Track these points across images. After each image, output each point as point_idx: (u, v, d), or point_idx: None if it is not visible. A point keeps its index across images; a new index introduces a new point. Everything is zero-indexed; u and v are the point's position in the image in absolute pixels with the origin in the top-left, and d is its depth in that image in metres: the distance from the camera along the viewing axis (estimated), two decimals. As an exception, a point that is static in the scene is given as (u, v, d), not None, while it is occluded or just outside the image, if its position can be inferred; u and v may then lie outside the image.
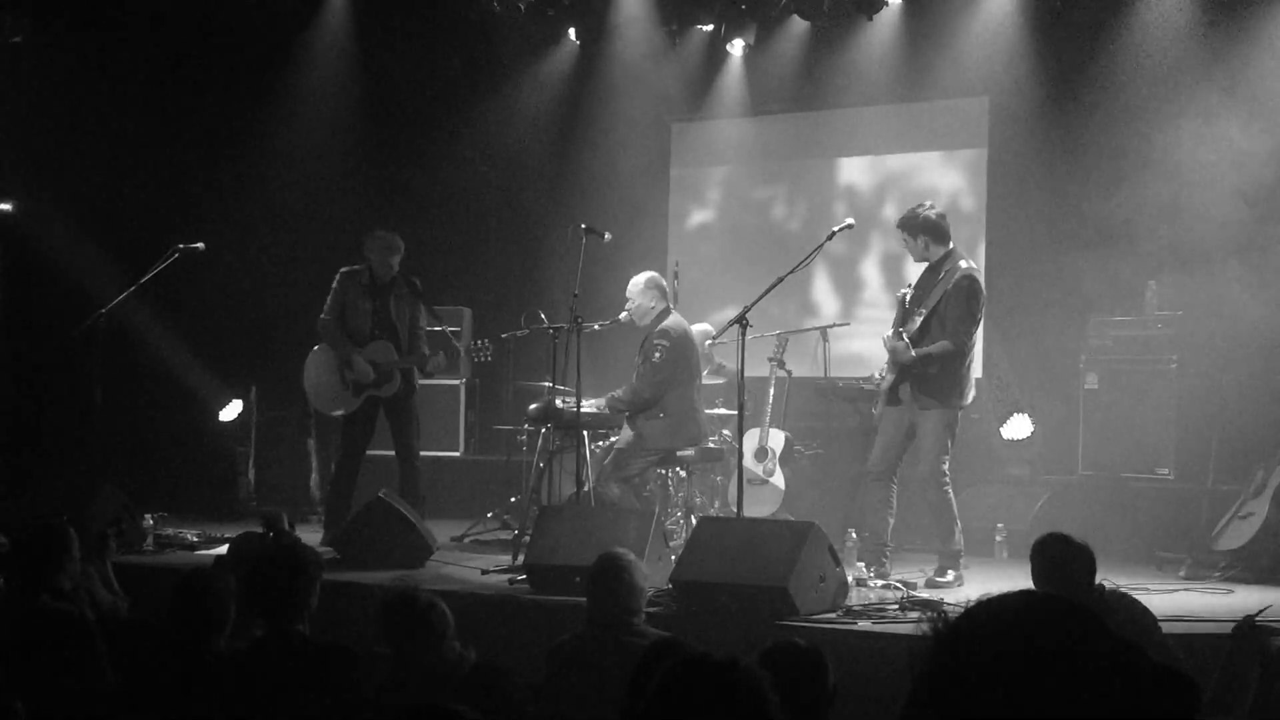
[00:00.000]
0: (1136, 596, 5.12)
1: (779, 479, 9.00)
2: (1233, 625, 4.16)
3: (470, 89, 11.35)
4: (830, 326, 9.66)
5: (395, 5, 11.01)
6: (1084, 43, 9.44)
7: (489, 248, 11.51)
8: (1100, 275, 9.35)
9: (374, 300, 8.43)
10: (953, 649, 1.45)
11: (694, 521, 7.60)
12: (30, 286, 10.65)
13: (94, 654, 4.53)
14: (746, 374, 7.06)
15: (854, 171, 10.84)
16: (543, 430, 8.36)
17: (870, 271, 10.64)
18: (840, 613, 6.02)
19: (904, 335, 7.06)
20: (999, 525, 8.42)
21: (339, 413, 8.53)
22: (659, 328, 7.99)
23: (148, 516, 8.32)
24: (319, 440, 10.25)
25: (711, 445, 8.37)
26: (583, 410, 7.71)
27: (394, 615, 4.31)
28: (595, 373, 8.11)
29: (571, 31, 10.91)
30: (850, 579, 6.53)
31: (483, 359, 8.79)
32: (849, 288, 10.70)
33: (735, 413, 7.44)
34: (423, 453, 9.48)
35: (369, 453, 8.60)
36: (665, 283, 8.28)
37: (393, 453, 8.51)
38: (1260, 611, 4.33)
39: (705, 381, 8.67)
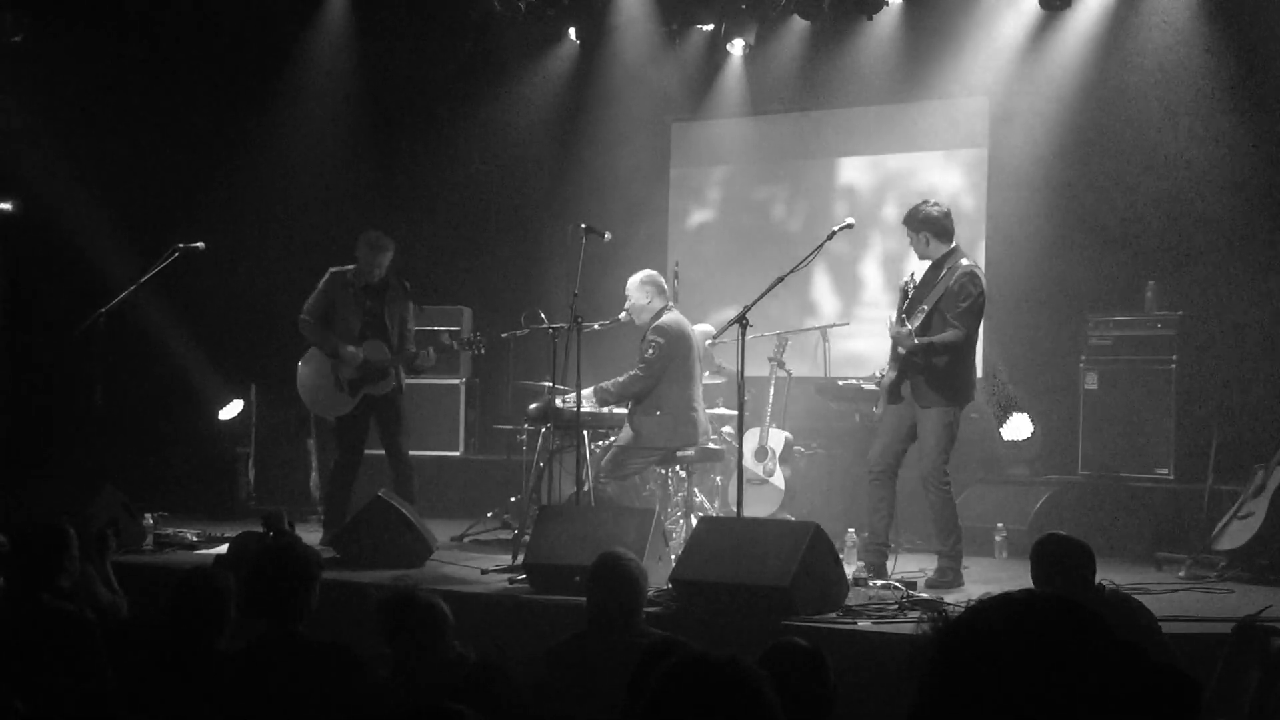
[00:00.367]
0: (1136, 597, 5.12)
1: (779, 479, 9.01)
2: (1232, 625, 4.16)
3: (471, 89, 11.35)
4: (830, 326, 9.66)
5: (395, 5, 11.01)
6: (1084, 42, 9.44)
7: (489, 247, 11.51)
8: (1100, 275, 9.35)
9: (366, 301, 8.44)
10: (953, 649, 1.45)
11: (694, 521, 7.61)
12: (31, 286, 10.65)
13: (94, 654, 4.52)
14: (746, 374, 7.06)
15: (854, 171, 10.84)
16: (543, 430, 8.36)
17: (870, 271, 10.64)
18: (840, 612, 6.02)
19: (906, 322, 7.05)
20: (999, 525, 8.42)
21: (340, 414, 8.52)
22: (655, 325, 8.00)
23: (148, 516, 8.32)
24: (319, 440, 10.24)
25: (711, 445, 8.37)
26: (583, 410, 7.71)
27: (394, 615, 4.31)
28: (595, 372, 8.11)
29: (572, 31, 10.91)
30: (850, 578, 6.53)
31: (477, 351, 8.78)
32: (849, 288, 10.70)
33: (735, 412, 7.44)
34: (423, 452, 9.52)
35: (368, 452, 8.60)
36: (663, 280, 8.28)
37: (391, 452, 8.53)
38: (1260, 611, 4.33)
39: (705, 381, 8.67)
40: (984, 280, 7.25)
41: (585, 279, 7.75)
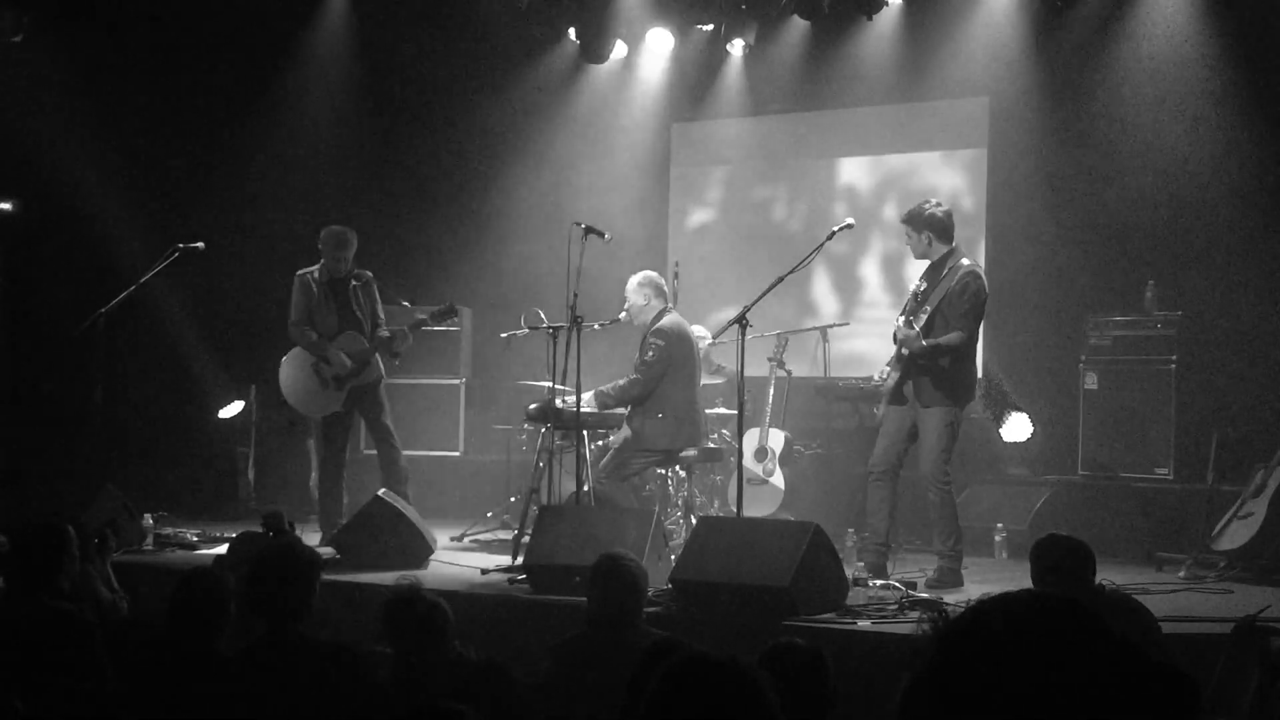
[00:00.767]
0: (1136, 597, 5.12)
1: (779, 479, 9.01)
2: (1232, 625, 4.16)
3: (470, 89, 11.35)
4: (830, 326, 9.66)
5: (395, 5, 11.01)
6: (1083, 42, 9.44)
7: (489, 247, 11.50)
8: (1099, 275, 9.36)
9: (335, 297, 8.49)
10: (953, 648, 1.45)
11: (694, 521, 7.60)
12: (30, 286, 10.65)
13: (94, 654, 4.52)
14: (746, 374, 7.06)
15: (854, 171, 10.84)
16: (542, 430, 8.36)
17: (870, 271, 10.64)
18: (840, 612, 6.02)
19: (914, 325, 7.05)
20: (998, 525, 8.42)
21: (330, 412, 8.54)
22: (655, 326, 7.99)
23: (147, 516, 8.32)
24: (318, 440, 10.25)
25: (711, 445, 8.37)
26: (582, 410, 7.71)
27: (396, 615, 4.31)
28: (594, 372, 8.11)
29: (571, 31, 10.91)
30: (850, 578, 6.53)
31: (451, 323, 8.82)
32: (849, 288, 10.70)
33: (735, 412, 7.44)
34: (422, 453, 9.52)
35: (367, 452, 8.62)
36: (662, 281, 8.28)
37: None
38: (1260, 611, 4.33)
39: (705, 381, 8.67)
40: (985, 281, 7.25)
41: (585, 279, 7.75)
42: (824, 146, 10.99)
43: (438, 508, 9.37)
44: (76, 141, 10.43)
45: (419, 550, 7.68)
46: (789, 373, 9.26)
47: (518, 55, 11.17)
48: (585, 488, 7.75)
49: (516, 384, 9.78)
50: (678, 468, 8.35)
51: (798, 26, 10.34)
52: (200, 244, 8.82)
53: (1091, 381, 8.95)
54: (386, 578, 6.78)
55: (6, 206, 10.67)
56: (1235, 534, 7.54)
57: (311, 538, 7.82)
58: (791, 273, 7.30)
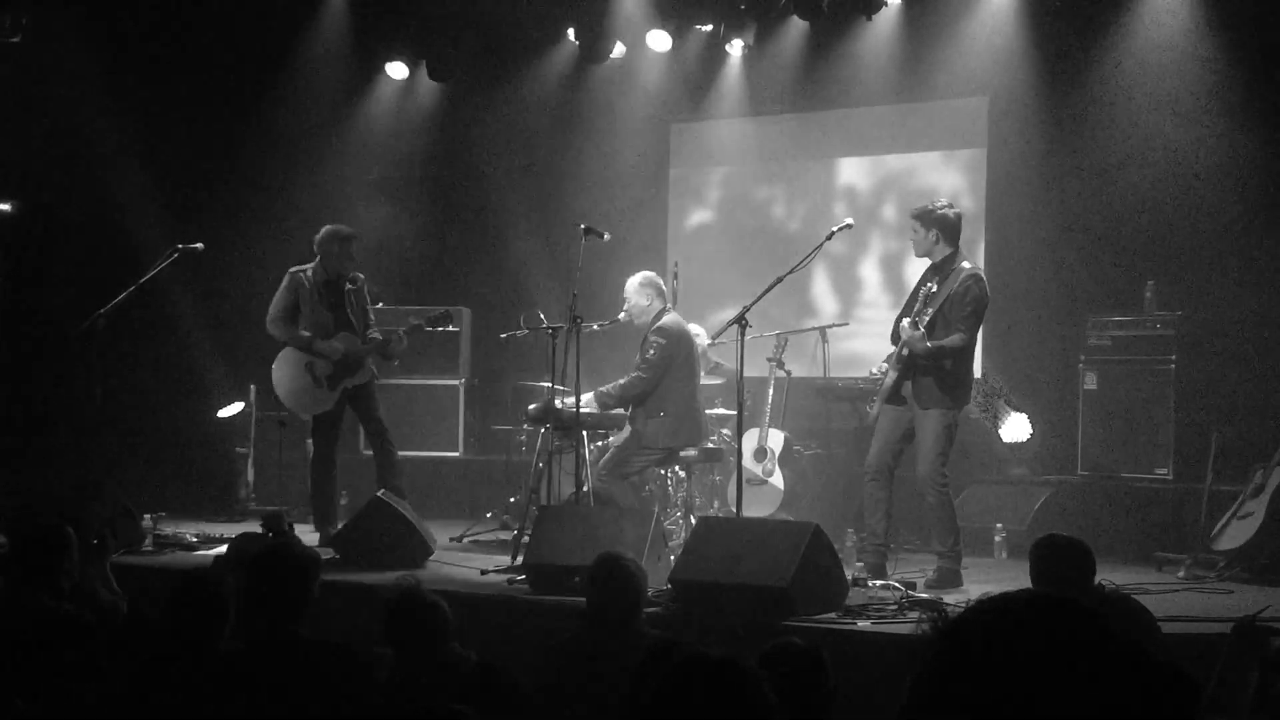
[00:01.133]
0: (1136, 597, 5.12)
1: (778, 479, 9.01)
2: (1232, 625, 4.16)
3: (470, 89, 11.35)
4: (829, 327, 9.66)
5: (393, 6, 11.01)
6: (1083, 42, 9.44)
7: (488, 247, 11.51)
8: (1099, 275, 9.36)
9: (330, 297, 8.49)
10: (953, 648, 1.45)
11: (693, 521, 7.61)
12: (29, 287, 10.65)
13: (93, 655, 4.52)
14: (746, 374, 7.06)
15: (853, 172, 10.84)
16: (542, 430, 8.36)
17: (869, 272, 10.64)
18: (839, 613, 6.02)
19: (919, 327, 7.05)
20: (998, 525, 8.43)
21: (322, 411, 8.55)
22: (656, 325, 8.00)
23: (147, 517, 8.32)
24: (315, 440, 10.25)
25: (711, 445, 8.37)
26: (582, 410, 7.71)
27: (396, 615, 4.31)
28: (594, 373, 8.11)
29: (571, 31, 10.91)
30: (850, 579, 6.53)
31: (445, 327, 8.88)
32: (848, 288, 10.70)
33: (734, 413, 7.44)
34: (422, 453, 9.53)
35: (366, 453, 8.63)
36: (661, 282, 8.29)
37: (396, 451, 8.56)
38: (1259, 611, 4.33)
39: (704, 382, 8.67)
40: (986, 285, 7.25)
41: (584, 279, 7.76)
42: (823, 147, 10.99)
43: (437, 508, 9.38)
44: (75, 143, 10.43)
45: (418, 551, 7.68)
46: (788, 373, 9.26)
47: (517, 55, 11.16)
48: (585, 488, 7.75)
49: (516, 385, 9.79)
50: (677, 468, 8.35)
51: (797, 27, 10.34)
52: (199, 245, 8.82)
53: (1091, 381, 8.95)
54: (386, 578, 6.78)
55: (5, 207, 10.67)
56: (1234, 534, 7.54)
57: (311, 538, 7.83)
58: (791, 273, 7.31)
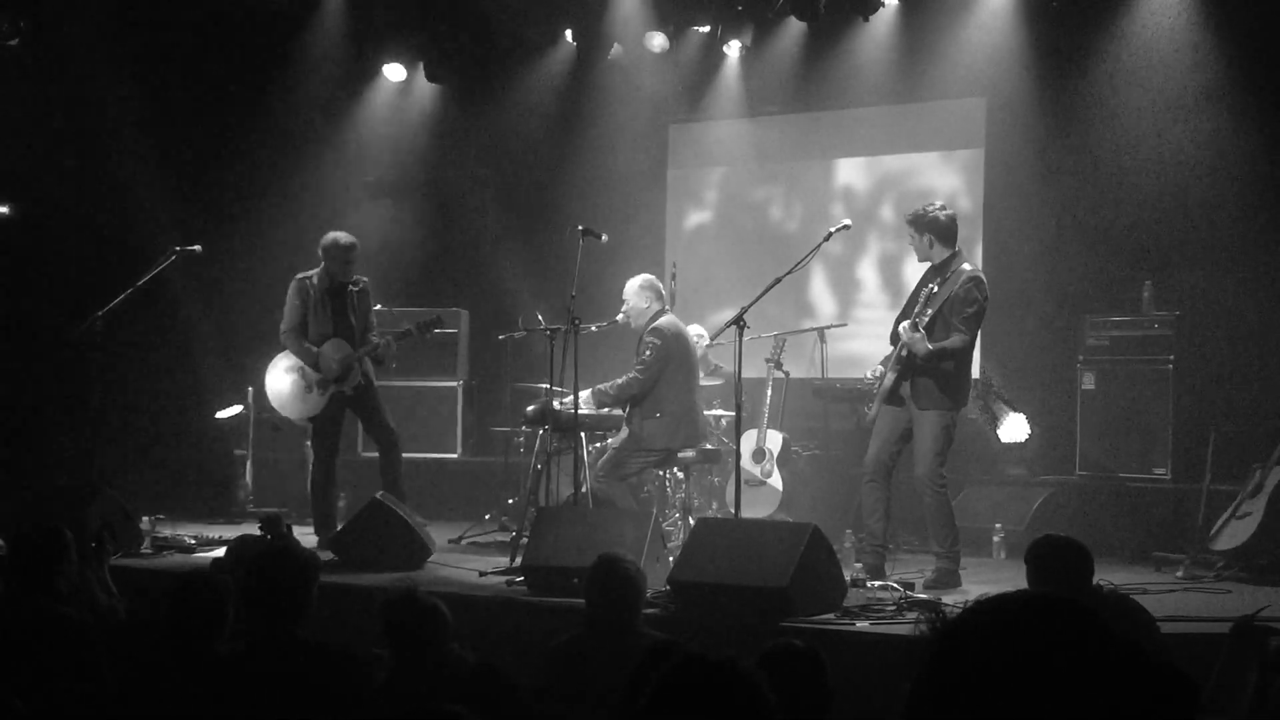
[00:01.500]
0: (1134, 597, 5.12)
1: (776, 480, 9.01)
2: (1230, 625, 4.16)
3: (468, 91, 11.35)
4: (828, 327, 9.66)
5: (391, 7, 11.01)
6: (1080, 43, 9.45)
7: (487, 249, 11.51)
8: (1097, 275, 9.36)
9: (333, 302, 8.53)
10: (951, 649, 1.45)
11: (692, 522, 7.60)
12: (27, 289, 10.64)
13: (91, 657, 4.52)
14: (744, 375, 7.06)
15: (851, 172, 10.85)
16: (540, 432, 8.36)
17: (867, 272, 10.64)
18: (838, 614, 6.02)
19: (919, 329, 7.05)
20: (996, 526, 8.42)
21: (312, 415, 8.59)
22: (651, 326, 8.00)
23: (145, 519, 8.32)
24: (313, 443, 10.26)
25: (709, 446, 8.37)
26: (580, 411, 7.71)
27: (395, 617, 4.30)
28: (593, 374, 8.11)
29: (568, 33, 10.92)
30: (848, 579, 6.53)
31: (430, 333, 8.86)
32: (846, 289, 10.70)
33: (733, 414, 7.44)
34: (420, 455, 9.53)
35: (365, 455, 8.64)
36: (660, 285, 8.29)
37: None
38: (1258, 611, 4.33)
39: (703, 383, 8.67)
40: (987, 286, 7.25)
41: (582, 281, 7.75)
42: (821, 147, 10.99)
43: (436, 510, 9.37)
44: (73, 146, 10.43)
45: (417, 552, 7.68)
46: (786, 374, 9.27)
47: (514, 57, 11.16)
48: (583, 489, 7.75)
49: (514, 386, 9.78)
50: (676, 469, 8.35)
51: (794, 28, 10.34)
52: (197, 247, 8.83)
53: (1089, 382, 8.95)
54: (384, 580, 6.78)
55: (3, 210, 10.67)
56: (1233, 533, 7.54)
57: (309, 540, 7.82)
58: (789, 274, 7.31)
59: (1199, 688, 1.39)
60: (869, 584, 6.78)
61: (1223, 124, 8.93)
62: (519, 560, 7.17)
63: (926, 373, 7.13)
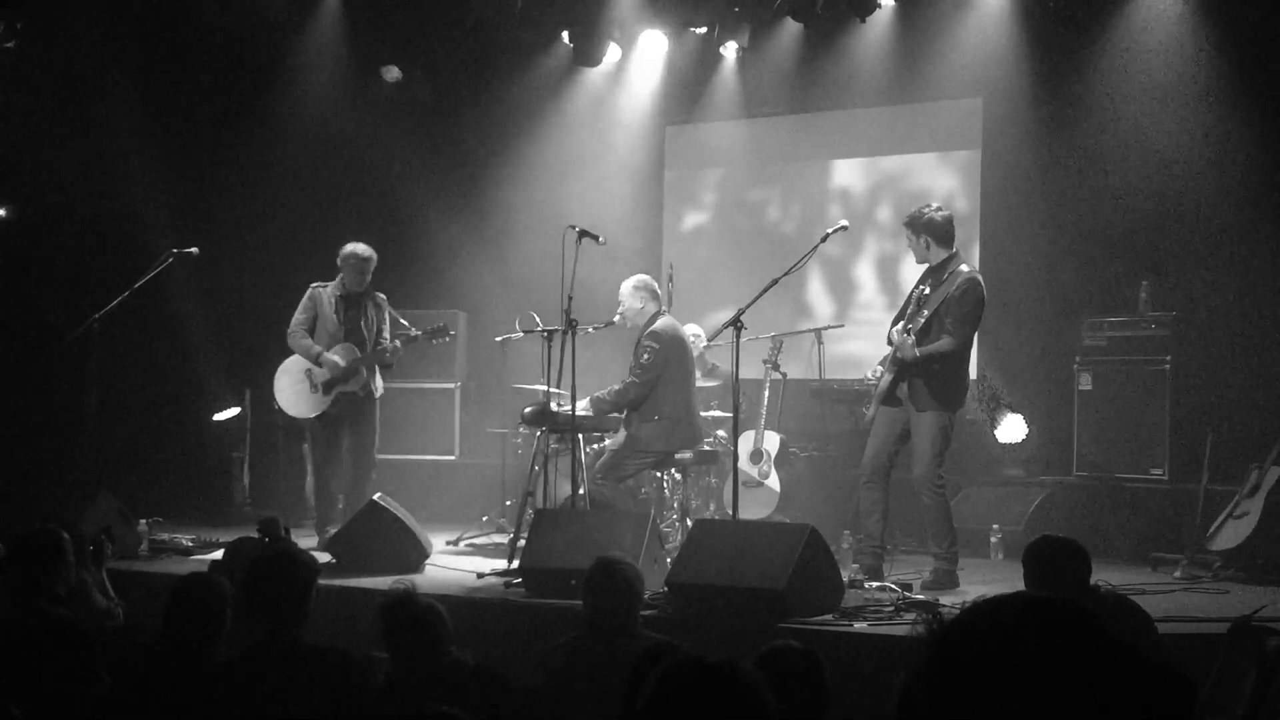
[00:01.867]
0: (1132, 597, 5.12)
1: (774, 481, 9.01)
2: (1228, 625, 4.16)
3: (464, 92, 11.35)
4: (825, 328, 9.66)
5: (388, 8, 11.01)
6: (1077, 44, 9.45)
7: (483, 250, 11.50)
8: (1094, 276, 9.37)
9: (346, 311, 8.66)
10: (948, 650, 1.45)
11: (689, 524, 7.60)
12: (25, 291, 10.64)
13: (90, 661, 4.51)
14: (741, 376, 7.06)
15: (848, 173, 10.85)
16: (537, 433, 8.36)
17: (865, 273, 10.65)
18: (836, 615, 6.02)
19: (911, 332, 7.06)
20: (994, 526, 8.43)
21: (317, 413, 8.70)
22: (649, 329, 8.00)
23: (143, 522, 8.32)
24: (312, 445, 10.25)
25: (707, 448, 8.37)
26: (577, 413, 7.71)
27: (392, 619, 4.30)
28: (589, 375, 8.10)
29: (565, 34, 10.92)
30: (846, 581, 6.53)
31: (442, 340, 9.00)
32: (843, 290, 10.71)
33: (730, 415, 7.44)
34: (418, 456, 9.54)
35: (378, 455, 8.76)
36: (656, 285, 8.29)
37: (392, 455, 8.63)
38: (1256, 611, 4.34)
39: (702, 384, 8.67)
40: (984, 288, 7.25)
41: (579, 282, 7.75)
42: (818, 148, 11.00)
43: (433, 512, 9.37)
44: (71, 147, 10.42)
45: (414, 554, 7.68)
46: (784, 375, 9.26)
47: (511, 59, 11.16)
48: (581, 491, 7.75)
49: (511, 387, 9.78)
50: (673, 470, 8.35)
51: (791, 28, 10.35)
52: (194, 249, 8.84)
53: (1086, 382, 8.96)
54: (382, 582, 6.76)
55: (1, 212, 10.66)
56: (1230, 533, 7.55)
57: (307, 542, 7.81)
58: (786, 275, 7.31)
59: (1196, 689, 1.39)
60: (867, 585, 6.79)
61: (1219, 124, 8.93)
62: (517, 562, 7.17)
63: (922, 374, 7.13)
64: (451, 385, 10.85)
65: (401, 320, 9.01)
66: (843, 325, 10.00)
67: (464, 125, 11.49)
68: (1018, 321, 9.51)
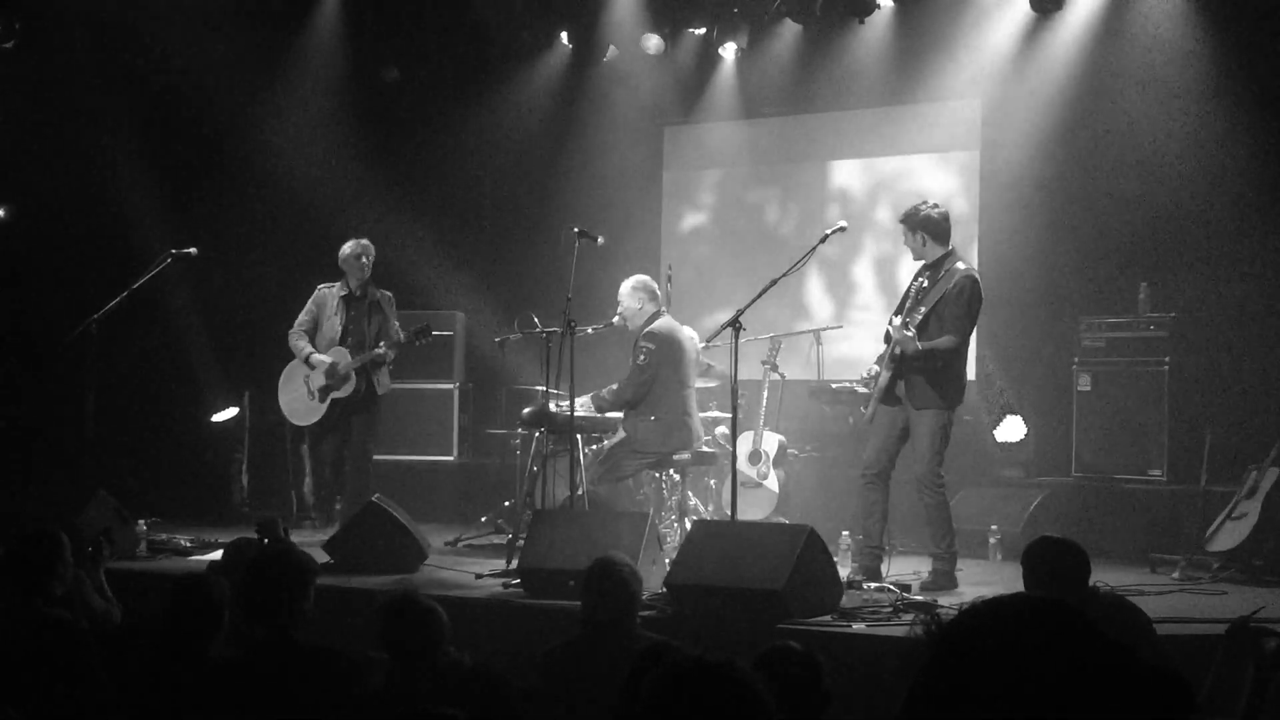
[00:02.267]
0: (1131, 598, 5.13)
1: (773, 482, 9.01)
2: (1227, 626, 4.16)
3: (463, 93, 11.35)
4: (823, 329, 9.66)
5: (387, 9, 11.01)
6: (1075, 44, 9.45)
7: (482, 251, 11.51)
8: (1092, 277, 9.37)
9: (349, 311, 8.79)
10: (947, 651, 1.45)
11: (688, 525, 7.60)
12: (22, 292, 10.63)
13: (88, 661, 4.51)
14: (740, 377, 7.06)
15: (847, 174, 10.85)
16: (536, 434, 8.36)
17: (863, 274, 10.64)
18: (835, 615, 6.02)
19: (910, 326, 7.05)
20: (993, 527, 8.42)
21: (313, 420, 8.92)
22: (646, 330, 8.01)
23: (141, 522, 8.30)
24: (311, 447, 10.25)
25: (705, 448, 8.37)
26: (576, 414, 7.71)
27: (392, 620, 4.30)
28: (588, 376, 8.11)
29: (564, 35, 10.92)
30: (844, 581, 6.53)
31: (424, 340, 8.98)
32: (842, 290, 10.71)
33: (729, 415, 7.44)
34: (416, 457, 9.56)
35: (378, 456, 8.82)
36: (654, 285, 8.29)
37: (391, 456, 8.66)
38: (1254, 612, 4.34)
39: (699, 385, 8.67)
40: (982, 286, 7.25)
41: (578, 283, 7.75)
42: (816, 149, 11.00)
43: (431, 512, 9.37)
44: (69, 148, 10.41)
45: (413, 555, 7.67)
46: (783, 376, 9.26)
47: (510, 59, 11.16)
48: (579, 492, 7.74)
49: (510, 388, 9.78)
50: (671, 471, 8.35)
51: (790, 29, 10.35)
52: (193, 249, 8.84)
53: (1085, 383, 8.96)
54: (381, 583, 6.78)
55: (0, 213, 10.66)
56: (1229, 535, 7.55)
57: (306, 543, 7.81)
58: (785, 275, 7.30)
59: (1194, 690, 1.39)
60: (865, 585, 6.78)
61: (1218, 126, 8.93)
62: (515, 563, 7.17)
63: (920, 371, 7.12)
64: (450, 386, 10.85)
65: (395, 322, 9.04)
66: (841, 326, 10.00)
67: (463, 125, 11.48)
68: (1016, 322, 9.51)
